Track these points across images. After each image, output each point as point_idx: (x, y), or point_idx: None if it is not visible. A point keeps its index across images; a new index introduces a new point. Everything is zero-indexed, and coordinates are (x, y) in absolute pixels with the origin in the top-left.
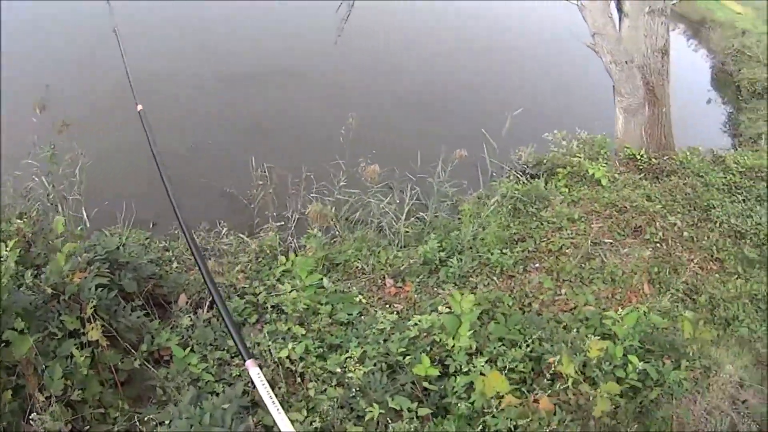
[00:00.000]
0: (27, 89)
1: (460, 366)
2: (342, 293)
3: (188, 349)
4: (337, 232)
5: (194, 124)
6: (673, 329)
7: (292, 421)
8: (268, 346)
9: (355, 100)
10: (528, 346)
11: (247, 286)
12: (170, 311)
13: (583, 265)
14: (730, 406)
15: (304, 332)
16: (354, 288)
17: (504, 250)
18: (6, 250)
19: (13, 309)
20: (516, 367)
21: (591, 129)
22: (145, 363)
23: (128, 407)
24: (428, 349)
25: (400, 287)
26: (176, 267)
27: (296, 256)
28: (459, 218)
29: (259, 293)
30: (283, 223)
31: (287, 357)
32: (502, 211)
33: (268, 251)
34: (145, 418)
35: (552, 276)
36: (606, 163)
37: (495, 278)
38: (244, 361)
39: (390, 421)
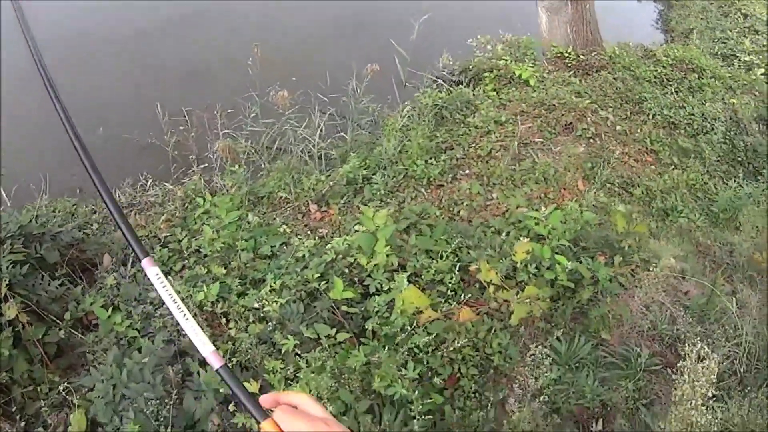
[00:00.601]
0: None
1: (381, 285)
2: (266, 226)
3: (111, 308)
4: (262, 165)
5: (103, 82)
6: (608, 225)
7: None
8: (188, 291)
9: (256, 30)
10: (456, 255)
11: (169, 234)
12: (97, 275)
13: (513, 167)
14: (672, 299)
15: (224, 272)
16: (278, 219)
17: (430, 161)
18: None
19: None
20: (443, 279)
21: (514, 31)
22: (73, 331)
23: (59, 379)
24: (346, 271)
25: (325, 211)
26: (100, 228)
27: (214, 196)
28: (380, 135)
29: (182, 239)
30: (206, 165)
31: (205, 299)
32: (425, 120)
33: (193, 196)
34: (75, 387)
35: (482, 181)
36: (533, 64)
37: (423, 190)
38: (140, 260)
39: (308, 352)
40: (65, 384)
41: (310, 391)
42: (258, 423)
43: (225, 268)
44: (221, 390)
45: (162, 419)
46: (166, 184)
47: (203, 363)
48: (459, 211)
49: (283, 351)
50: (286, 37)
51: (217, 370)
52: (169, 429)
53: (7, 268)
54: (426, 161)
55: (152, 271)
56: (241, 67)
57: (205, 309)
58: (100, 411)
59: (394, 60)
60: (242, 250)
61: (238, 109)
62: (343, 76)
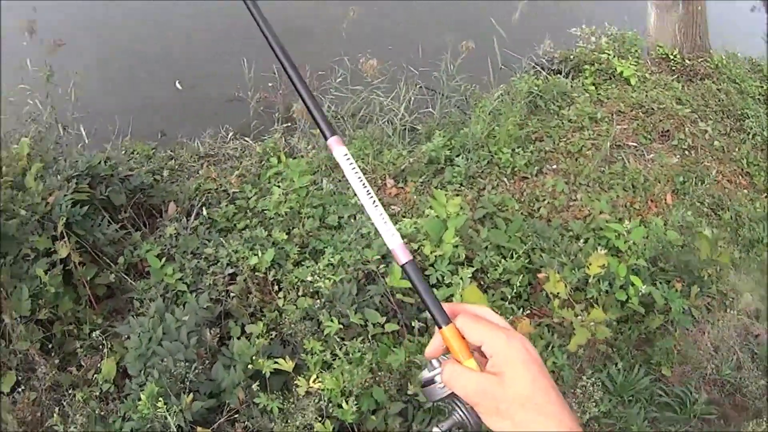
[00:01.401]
0: (13, 13)
1: (442, 277)
2: (338, 194)
3: (165, 258)
4: (345, 132)
5: (196, 35)
6: (691, 247)
7: (250, 334)
8: (244, 253)
9: None
10: (528, 256)
11: (239, 190)
12: (159, 222)
13: (603, 169)
14: (741, 341)
15: (286, 237)
16: (351, 190)
17: (517, 150)
18: None
19: None
20: (510, 280)
21: (621, 24)
22: (125, 276)
23: (102, 321)
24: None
25: (401, 188)
26: (172, 175)
27: (290, 158)
28: (470, 116)
29: (251, 197)
30: (289, 125)
31: (259, 264)
32: (518, 107)
33: (271, 154)
34: (114, 333)
35: (568, 180)
36: (636, 62)
37: (505, 179)
38: (326, 139)
39: (353, 338)
40: (105, 327)
41: (342, 383)
42: (439, 327)
43: (287, 233)
44: (250, 365)
45: (188, 383)
46: (246, 139)
47: (244, 329)
48: (539, 208)
49: (325, 333)
50: (384, 3)
51: (402, 266)
52: (190, 396)
53: (67, 207)
54: (513, 150)
55: (340, 150)
56: (335, 29)
57: (257, 274)
58: (131, 363)
59: (492, 39)
60: (308, 217)
61: (326, 73)
62: (436, 50)
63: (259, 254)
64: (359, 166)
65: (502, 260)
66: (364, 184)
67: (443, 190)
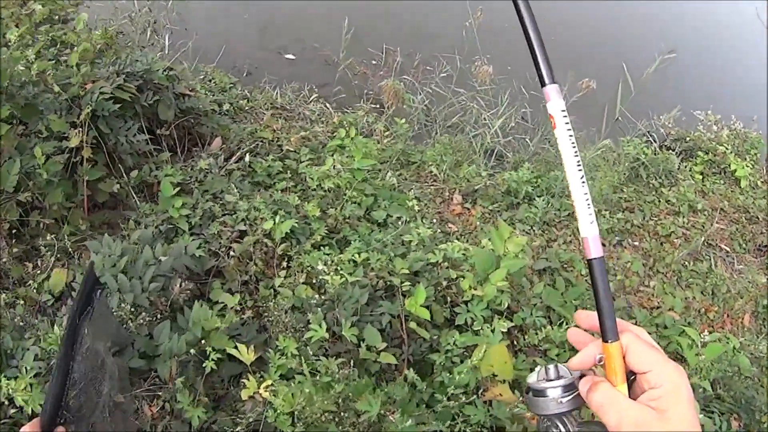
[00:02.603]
0: None
1: (472, 321)
2: (396, 192)
3: (180, 189)
4: (433, 132)
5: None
6: (758, 381)
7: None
8: (265, 213)
9: None
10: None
11: (294, 150)
12: (196, 153)
13: (686, 263)
14: None
15: (318, 214)
16: (414, 191)
17: (603, 212)
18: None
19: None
20: (547, 350)
21: (753, 111)
22: (132, 192)
23: (87, 228)
24: (443, 283)
25: (467, 208)
26: (237, 113)
27: (362, 137)
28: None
29: (303, 161)
30: (377, 106)
31: (273, 230)
32: (618, 169)
33: (346, 126)
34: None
35: (646, 262)
36: (752, 165)
37: (580, 239)
38: (543, 85)
39: (336, 356)
40: (86, 235)
41: (295, 405)
42: (605, 341)
43: (322, 211)
44: (204, 340)
45: (126, 332)
46: (327, 105)
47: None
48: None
49: (306, 336)
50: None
51: (589, 260)
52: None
53: (98, 98)
54: (599, 211)
55: (557, 104)
56: (458, 26)
57: (268, 242)
58: (78, 284)
59: (617, 86)
60: (351, 201)
61: (433, 68)
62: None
63: (276, 220)
64: (431, 172)
65: (549, 326)
66: (576, 152)
67: (511, 226)
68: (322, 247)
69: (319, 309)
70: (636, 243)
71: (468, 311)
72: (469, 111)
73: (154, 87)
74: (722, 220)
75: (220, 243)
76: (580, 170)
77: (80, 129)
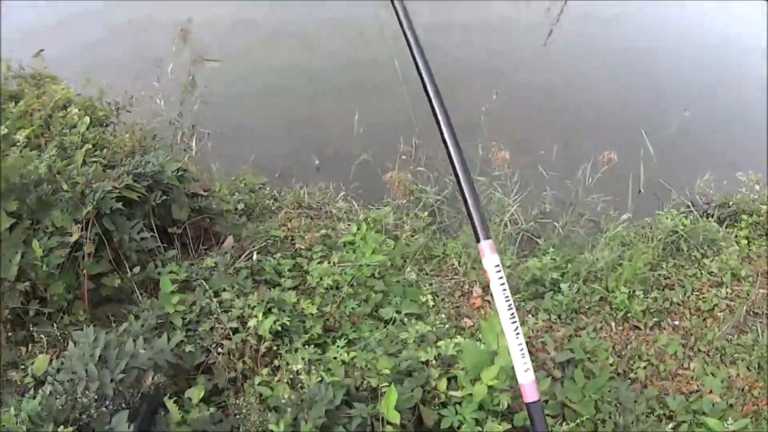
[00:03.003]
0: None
1: (459, 425)
2: (414, 287)
3: (182, 287)
4: (457, 224)
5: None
6: None
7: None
8: (258, 311)
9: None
10: (594, 427)
11: (306, 249)
12: (203, 251)
13: (730, 337)
14: None
15: (314, 312)
16: (433, 285)
17: (637, 293)
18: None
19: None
20: None
21: None
22: (135, 287)
23: (87, 320)
24: (433, 384)
25: (488, 301)
26: (251, 212)
27: (376, 232)
28: (593, 242)
29: (313, 260)
30: (405, 201)
31: (257, 327)
32: (655, 244)
33: (372, 225)
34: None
35: (686, 342)
36: None
37: (613, 324)
38: (478, 241)
39: None
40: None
41: None
42: None
43: (319, 309)
44: None
45: (85, 416)
46: (354, 201)
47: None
48: (636, 368)
49: None
50: (528, 92)
51: (527, 404)
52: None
53: (101, 196)
54: (632, 291)
55: (491, 260)
56: (478, 107)
57: (257, 339)
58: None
59: (639, 154)
60: (351, 298)
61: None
62: (576, 158)
63: (261, 318)
64: (453, 265)
65: (560, 424)
66: (509, 306)
67: (534, 317)
68: (315, 346)
69: (289, 409)
70: (676, 322)
71: (456, 413)
72: (491, 198)
73: (164, 187)
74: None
75: (212, 339)
76: (514, 322)
77: (81, 225)
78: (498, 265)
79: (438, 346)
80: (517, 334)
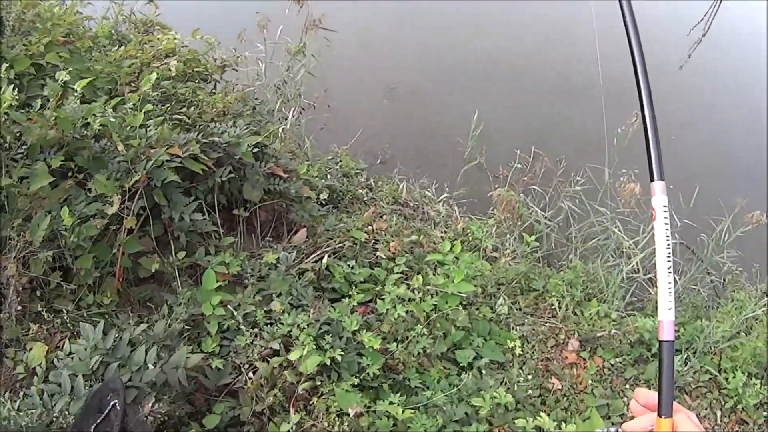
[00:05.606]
0: None
1: None
2: (497, 324)
3: (227, 283)
4: (568, 254)
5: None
6: None
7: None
8: (307, 337)
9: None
10: None
11: (391, 256)
12: (271, 242)
13: None
14: None
15: (376, 347)
16: (521, 326)
17: (754, 381)
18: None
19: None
20: None
21: None
22: (177, 272)
23: (111, 303)
24: None
25: (583, 358)
26: (352, 204)
27: (471, 253)
28: (712, 306)
29: (396, 273)
30: (510, 217)
31: (300, 362)
32: None
33: (468, 238)
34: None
35: None
36: None
37: (719, 412)
38: (651, 180)
39: None
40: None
41: None
42: (660, 416)
43: (383, 347)
44: None
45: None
46: (455, 207)
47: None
48: None
49: None
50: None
51: (660, 342)
52: None
53: (153, 166)
54: (750, 376)
55: (660, 199)
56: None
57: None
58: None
59: None
60: (424, 336)
61: (572, 177)
62: (711, 207)
63: (304, 351)
64: (552, 305)
65: None
66: (668, 245)
67: (633, 390)
68: (367, 389)
69: None
70: None
71: None
72: (611, 236)
73: (236, 162)
74: None
75: (247, 357)
76: (669, 261)
77: (119, 196)
78: (665, 206)
79: (522, 426)
80: (669, 272)
